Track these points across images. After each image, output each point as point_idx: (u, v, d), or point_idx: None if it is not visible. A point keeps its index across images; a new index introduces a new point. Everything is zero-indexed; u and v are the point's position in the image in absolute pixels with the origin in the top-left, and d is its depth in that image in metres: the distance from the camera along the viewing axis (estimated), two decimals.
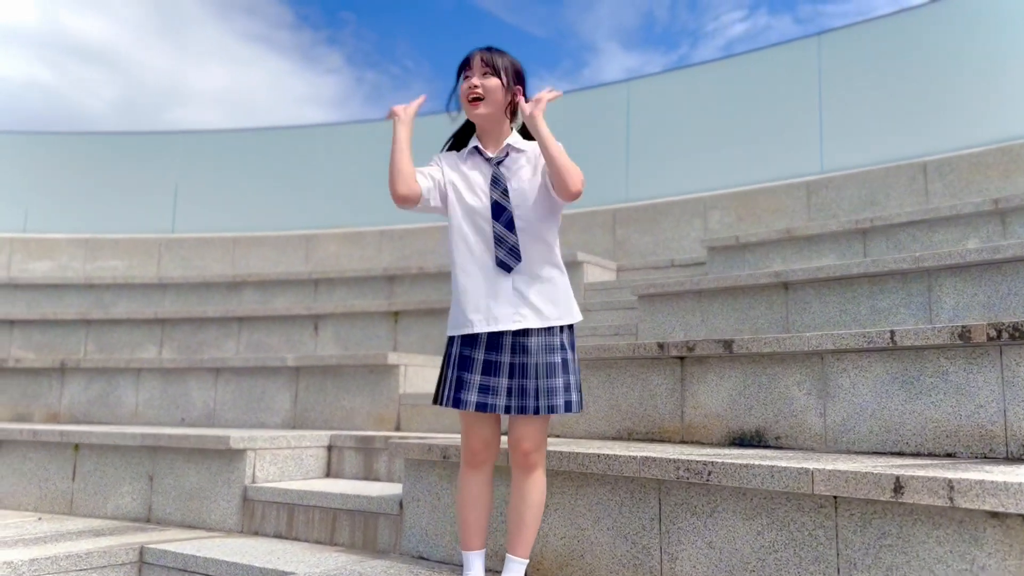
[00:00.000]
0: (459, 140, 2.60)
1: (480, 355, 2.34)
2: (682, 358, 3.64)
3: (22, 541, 3.52)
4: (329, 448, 4.23)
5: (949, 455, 2.84)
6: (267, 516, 3.77)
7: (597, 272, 6.40)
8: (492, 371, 2.34)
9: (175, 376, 5.43)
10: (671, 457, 2.46)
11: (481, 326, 2.35)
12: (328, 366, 4.90)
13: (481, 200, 2.41)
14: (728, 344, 3.43)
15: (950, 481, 1.89)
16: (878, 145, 6.42)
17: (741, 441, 3.42)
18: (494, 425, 2.45)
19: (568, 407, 2.40)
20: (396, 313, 5.83)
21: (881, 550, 2.09)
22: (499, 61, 2.48)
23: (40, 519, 4.18)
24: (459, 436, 2.80)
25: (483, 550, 2.51)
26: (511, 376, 2.35)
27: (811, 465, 2.19)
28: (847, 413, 3.13)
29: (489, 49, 2.51)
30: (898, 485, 1.99)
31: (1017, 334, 2.74)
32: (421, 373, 4.81)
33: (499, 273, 2.38)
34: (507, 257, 2.37)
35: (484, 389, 2.33)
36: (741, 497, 2.37)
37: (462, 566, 2.60)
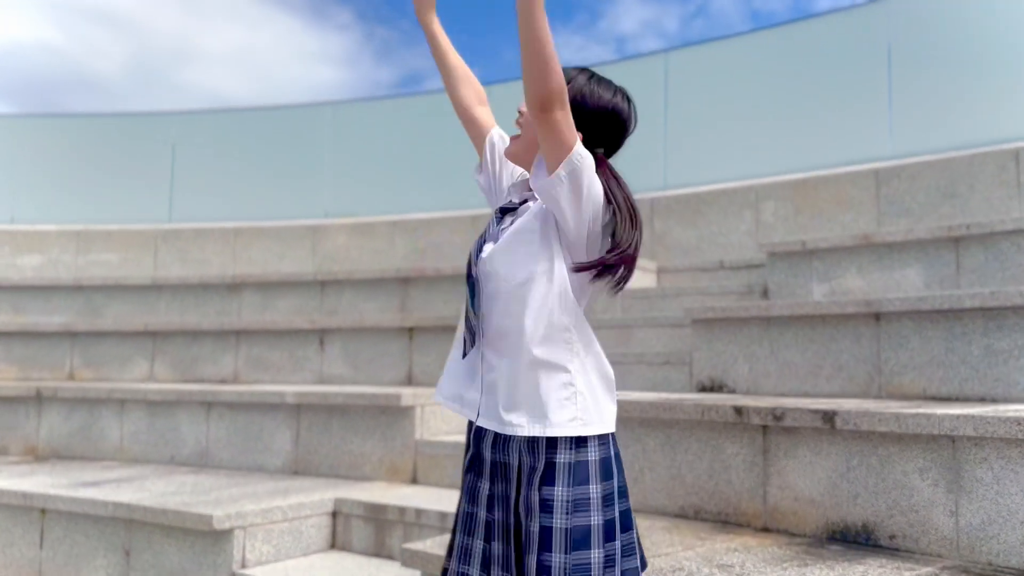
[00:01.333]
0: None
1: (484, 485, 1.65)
2: (765, 427, 2.95)
3: None
4: (334, 515, 3.58)
5: None
6: None
7: (636, 275, 5.67)
8: (479, 471, 1.67)
9: (163, 408, 4.79)
10: None
11: (448, 401, 1.70)
12: (334, 405, 4.24)
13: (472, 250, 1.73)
14: (830, 417, 2.72)
15: None
16: (959, 127, 5.61)
17: (843, 536, 2.73)
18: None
19: None
20: (411, 329, 5.14)
21: None
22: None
23: None
24: None
25: None
26: (493, 537, 1.62)
27: None
28: (988, 515, 2.44)
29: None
30: None
31: None
32: (439, 413, 4.15)
33: (468, 369, 1.69)
34: (467, 334, 1.67)
35: (464, 554, 1.65)
36: None
37: None
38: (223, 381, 5.70)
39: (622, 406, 3.34)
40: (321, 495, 3.62)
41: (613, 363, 4.87)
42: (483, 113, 1.86)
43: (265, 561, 3.31)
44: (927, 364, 3.48)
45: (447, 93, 1.92)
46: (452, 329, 5.01)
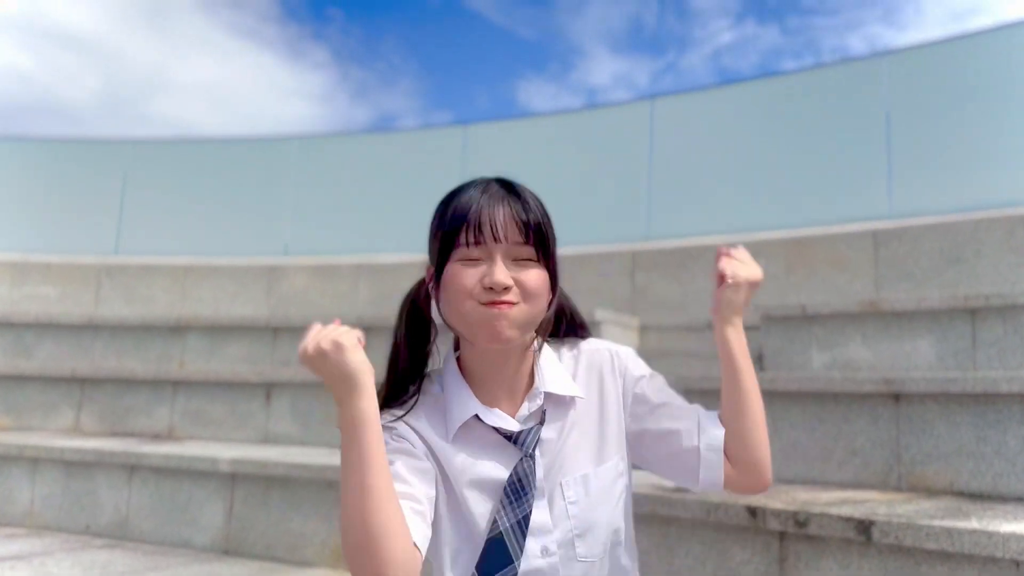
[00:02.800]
0: (405, 366, 1.35)
1: None
2: (783, 532, 2.48)
3: None
4: None
5: None
6: None
7: (616, 333, 5.23)
8: None
9: (80, 470, 4.21)
10: None
11: None
12: (273, 476, 3.69)
13: (479, 524, 1.24)
14: (865, 527, 2.26)
15: None
16: (963, 188, 5.29)
17: None
18: None
19: None
20: None
21: None
22: (547, 228, 1.32)
23: None
24: None
25: None
26: None
27: None
28: None
29: (514, 190, 1.33)
30: None
31: None
32: None
33: None
34: None
35: None
36: None
37: None
38: (157, 436, 5.12)
39: None
40: None
41: None
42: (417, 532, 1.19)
43: None
44: (955, 454, 3.05)
45: None
46: None
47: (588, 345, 1.42)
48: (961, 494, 3.00)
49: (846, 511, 2.36)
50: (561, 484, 1.28)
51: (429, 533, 1.18)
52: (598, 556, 1.28)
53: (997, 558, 2.10)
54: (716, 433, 1.33)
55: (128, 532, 4.03)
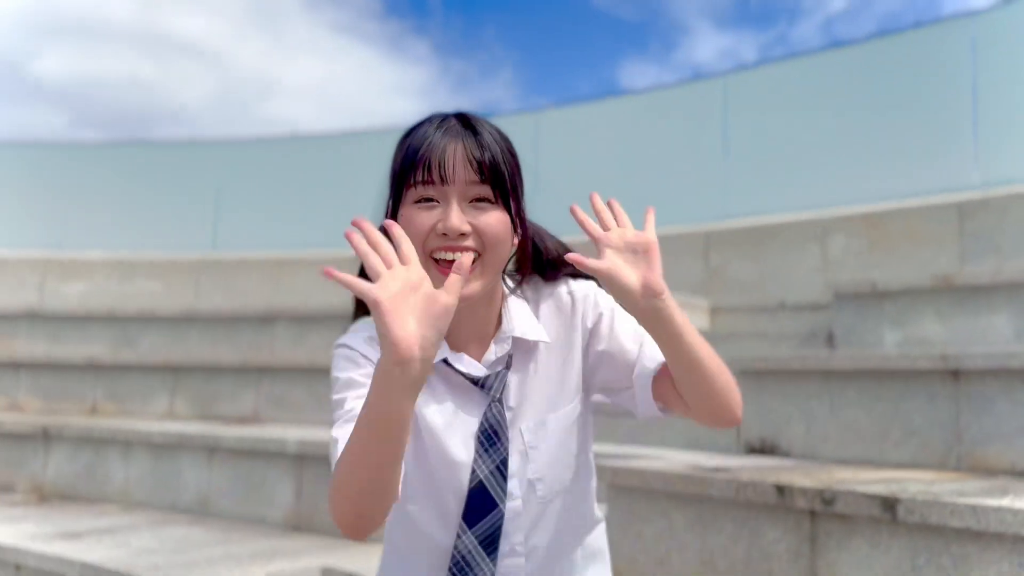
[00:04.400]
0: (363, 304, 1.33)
1: None
2: (813, 511, 2.44)
3: None
4: None
5: None
6: None
7: (686, 314, 5.17)
8: None
9: (166, 452, 4.49)
10: None
11: None
12: None
13: (456, 472, 1.24)
14: (891, 504, 2.20)
15: None
16: None
17: None
18: None
19: None
20: None
21: None
22: (503, 158, 1.25)
23: None
24: None
25: None
26: None
27: None
28: None
29: (472, 126, 1.25)
30: None
31: None
32: None
33: None
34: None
35: None
36: None
37: None
38: (242, 420, 5.40)
39: (647, 475, 2.87)
40: (309, 561, 3.23)
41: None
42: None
43: None
44: (1016, 433, 2.90)
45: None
46: None
47: (557, 288, 1.38)
48: (1023, 475, 2.86)
49: (873, 489, 2.30)
50: (521, 430, 1.28)
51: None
52: (558, 494, 1.28)
53: (1012, 535, 2.01)
54: (648, 366, 1.31)
55: (209, 509, 4.27)
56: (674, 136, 6.67)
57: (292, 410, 5.31)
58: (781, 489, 2.44)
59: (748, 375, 3.66)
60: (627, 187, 6.89)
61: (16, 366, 6.27)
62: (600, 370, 1.35)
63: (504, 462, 1.22)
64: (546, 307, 1.37)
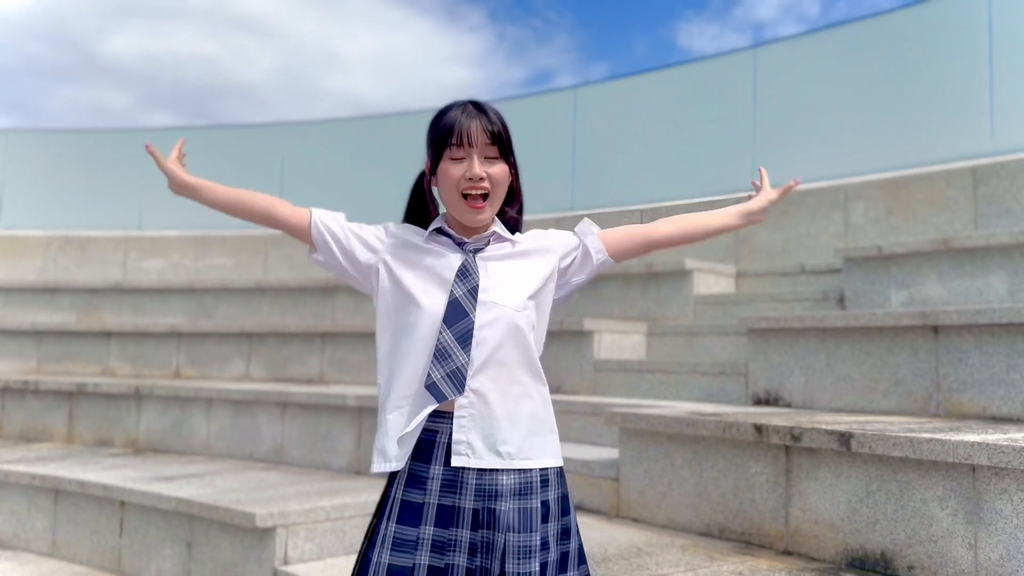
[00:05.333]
0: (412, 215, 1.90)
1: (432, 498, 1.68)
2: (787, 447, 2.85)
3: None
4: None
5: None
6: None
7: (710, 281, 5.55)
8: (448, 520, 1.67)
9: (244, 408, 5.08)
10: None
11: (396, 464, 1.70)
12: None
13: (434, 294, 1.72)
14: (846, 439, 2.61)
15: None
16: None
17: (862, 564, 2.61)
18: None
19: None
20: None
21: None
22: (506, 132, 1.78)
23: None
24: None
25: None
26: (475, 527, 1.68)
27: None
28: (1008, 550, 2.28)
29: (483, 110, 1.77)
30: None
31: None
32: None
33: (425, 399, 1.69)
34: (445, 381, 1.67)
35: (438, 546, 1.67)
36: None
37: None
38: (309, 381, 5.98)
39: (651, 420, 3.30)
40: (367, 496, 3.75)
41: (668, 372, 4.80)
42: (293, 213, 1.86)
43: (307, 559, 3.47)
44: (987, 382, 3.26)
45: (269, 226, 1.94)
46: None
47: (543, 231, 1.91)
48: (992, 418, 3.21)
49: (835, 427, 2.70)
50: (486, 278, 1.74)
51: (329, 228, 1.79)
52: (507, 317, 1.72)
53: (951, 463, 2.39)
54: (585, 228, 1.90)
55: (283, 458, 4.86)
56: (706, 108, 6.97)
57: (352, 371, 5.87)
58: (759, 428, 2.85)
59: (755, 333, 4.05)
60: (662, 159, 7.23)
61: (107, 335, 6.96)
62: (573, 265, 1.87)
63: (474, 288, 1.71)
64: (533, 234, 1.87)
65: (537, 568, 1.64)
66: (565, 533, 1.74)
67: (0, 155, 9.88)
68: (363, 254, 1.79)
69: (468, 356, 1.67)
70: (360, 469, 4.51)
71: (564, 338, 4.88)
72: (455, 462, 1.66)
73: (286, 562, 3.42)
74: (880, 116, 6.14)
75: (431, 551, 1.64)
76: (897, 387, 3.51)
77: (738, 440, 2.96)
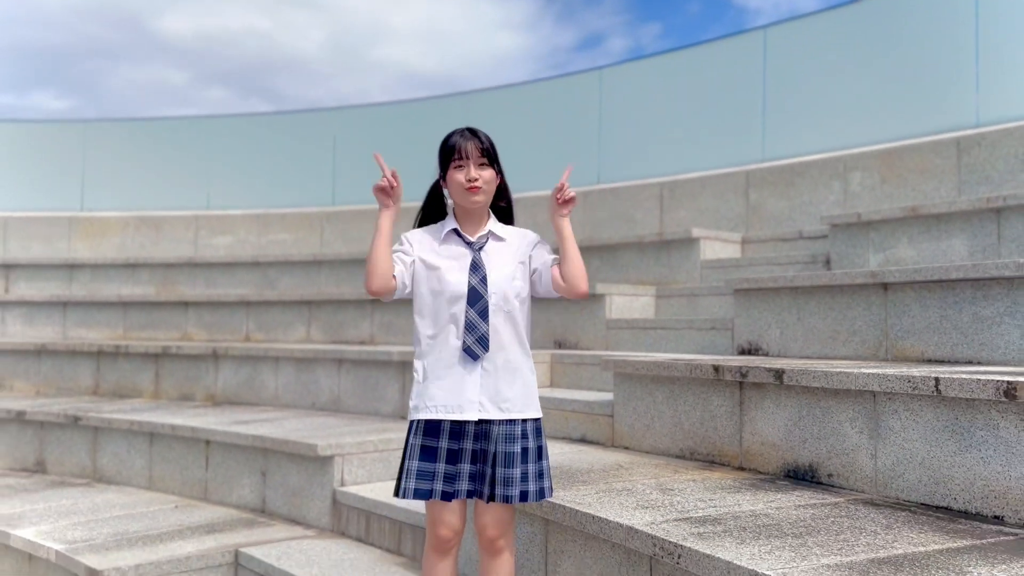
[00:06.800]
0: (428, 214, 2.61)
1: (443, 443, 2.38)
2: (741, 383, 3.49)
3: (143, 539, 4.04)
4: None
5: (997, 518, 2.58)
6: (350, 519, 4.08)
7: (717, 247, 6.14)
8: (455, 459, 2.37)
9: (306, 365, 5.88)
10: (649, 533, 2.41)
11: (442, 413, 2.38)
12: None
13: (457, 283, 2.41)
14: (779, 374, 3.25)
15: None
16: None
17: (795, 474, 3.26)
18: (461, 511, 2.46)
19: (524, 497, 2.39)
20: None
21: None
22: (493, 151, 2.48)
23: (176, 506, 4.75)
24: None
25: None
26: (473, 462, 2.38)
27: (762, 568, 2.07)
28: (897, 457, 2.90)
29: (476, 134, 2.48)
30: None
31: None
32: None
33: (465, 360, 2.39)
34: (475, 345, 2.37)
35: (448, 477, 2.36)
36: None
37: None
38: (362, 343, 6.76)
39: (639, 366, 3.97)
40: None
41: (669, 329, 5.53)
42: (395, 274, 2.44)
43: (359, 482, 4.24)
44: (925, 330, 3.83)
45: (374, 289, 2.45)
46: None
47: (523, 230, 2.61)
48: (930, 360, 3.79)
49: (772, 365, 3.34)
50: (490, 269, 2.45)
51: (403, 272, 2.43)
52: (508, 302, 2.43)
53: (856, 391, 3.01)
54: (545, 260, 2.51)
55: (339, 406, 5.65)
56: (721, 86, 7.48)
57: (399, 333, 6.63)
58: (716, 368, 3.50)
59: (739, 293, 4.67)
60: (680, 134, 7.79)
61: (185, 305, 7.86)
62: (534, 260, 2.51)
63: (484, 278, 2.41)
64: (515, 231, 2.54)
65: (518, 474, 2.35)
66: (539, 475, 2.46)
67: (81, 144, 10.85)
68: (409, 268, 2.47)
69: (487, 325, 2.38)
70: (403, 414, 5.27)
71: (580, 301, 5.55)
72: (467, 416, 2.36)
73: (343, 484, 4.20)
74: (877, 91, 6.62)
75: (444, 480, 2.36)
76: (854, 336, 4.11)
77: (702, 379, 3.61)
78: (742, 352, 4.62)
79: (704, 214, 7.13)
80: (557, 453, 3.82)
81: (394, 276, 2.41)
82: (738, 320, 4.67)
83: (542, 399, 4.17)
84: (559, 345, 5.66)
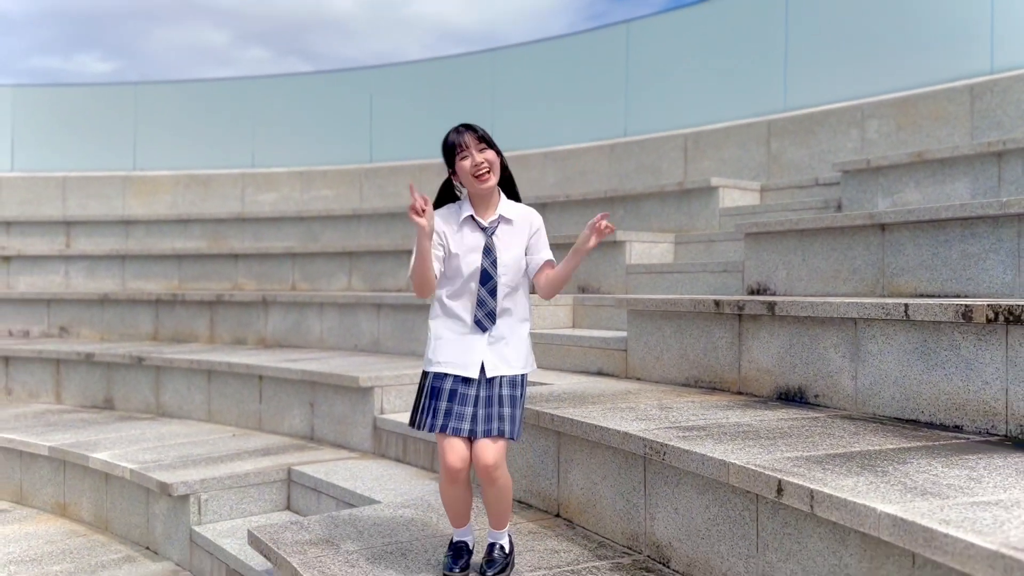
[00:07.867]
0: (443, 198, 2.90)
1: (452, 387, 2.75)
2: (739, 315, 3.82)
3: (205, 460, 4.54)
4: None
5: (957, 427, 2.90)
6: (389, 443, 4.52)
7: (735, 196, 6.40)
8: (462, 401, 2.74)
9: (348, 310, 6.32)
10: (641, 436, 2.78)
11: (451, 369, 2.74)
12: None
13: (472, 264, 2.73)
14: (771, 306, 3.57)
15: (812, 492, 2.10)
16: None
17: (785, 396, 3.60)
18: (467, 444, 2.83)
19: (501, 433, 2.70)
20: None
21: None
22: (487, 134, 2.76)
23: (233, 435, 5.25)
24: None
25: (470, 524, 2.94)
26: (476, 405, 2.73)
27: (730, 458, 2.43)
28: (874, 378, 3.23)
29: (470, 127, 2.76)
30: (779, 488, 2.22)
31: (1012, 317, 2.70)
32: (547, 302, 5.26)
33: (474, 329, 2.75)
34: (485, 319, 2.72)
35: (458, 416, 2.73)
36: (695, 477, 2.66)
37: None
38: (399, 290, 7.18)
39: (649, 303, 4.31)
40: None
41: (685, 272, 5.83)
42: (436, 271, 2.69)
43: (397, 411, 4.67)
44: (918, 267, 4.11)
45: (424, 296, 2.75)
46: None
47: (530, 210, 2.91)
48: (922, 295, 4.07)
49: (766, 299, 3.66)
50: (501, 252, 2.79)
51: (439, 267, 2.75)
52: (513, 281, 2.77)
53: (839, 318, 3.33)
54: (541, 258, 2.81)
55: (379, 348, 6.08)
56: (741, 37, 7.66)
57: None
58: (717, 303, 3.83)
59: (749, 237, 4.96)
60: (703, 86, 8.00)
61: (235, 257, 8.34)
62: (531, 249, 2.84)
63: (495, 261, 2.75)
64: (521, 213, 2.86)
65: (508, 413, 2.70)
66: (513, 419, 2.78)
67: (132, 105, 11.36)
68: (441, 263, 2.74)
69: (496, 302, 2.73)
70: None
71: (601, 248, 5.88)
72: (471, 374, 2.67)
73: (382, 412, 4.63)
74: (894, 39, 6.76)
75: (454, 418, 2.72)
76: (854, 275, 4.39)
77: (705, 313, 3.95)
78: (751, 292, 4.93)
79: (727, 164, 7.38)
80: (575, 383, 4.20)
81: (436, 281, 2.75)
82: (748, 263, 4.96)
83: (565, 338, 4.67)
84: (582, 290, 6.00)
